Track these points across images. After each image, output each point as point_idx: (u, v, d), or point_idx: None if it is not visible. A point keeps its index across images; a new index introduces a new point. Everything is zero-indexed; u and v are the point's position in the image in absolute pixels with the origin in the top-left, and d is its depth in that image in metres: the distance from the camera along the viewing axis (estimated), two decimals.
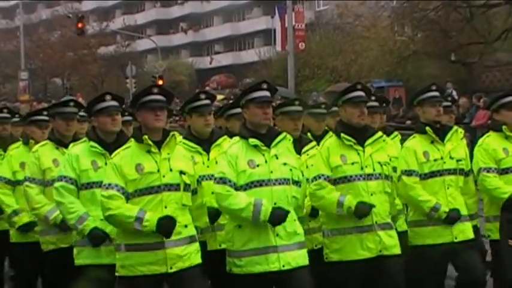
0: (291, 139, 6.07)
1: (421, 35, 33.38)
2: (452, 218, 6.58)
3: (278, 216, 5.76)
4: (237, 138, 6.02)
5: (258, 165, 5.84)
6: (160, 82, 36.37)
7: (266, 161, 5.87)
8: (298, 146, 6.60)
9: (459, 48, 30.89)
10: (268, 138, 5.94)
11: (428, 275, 6.70)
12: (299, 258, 5.87)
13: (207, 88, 42.62)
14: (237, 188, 5.83)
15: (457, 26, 30.73)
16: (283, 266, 5.80)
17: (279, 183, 5.86)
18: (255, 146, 5.89)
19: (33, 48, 54.68)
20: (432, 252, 6.64)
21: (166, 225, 5.54)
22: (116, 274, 5.70)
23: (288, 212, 5.81)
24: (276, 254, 5.80)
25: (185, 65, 57.05)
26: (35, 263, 7.33)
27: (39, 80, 56.04)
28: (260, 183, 5.82)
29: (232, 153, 5.89)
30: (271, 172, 5.85)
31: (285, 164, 5.92)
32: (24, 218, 7.31)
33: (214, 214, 6.43)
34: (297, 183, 5.98)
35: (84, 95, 37.65)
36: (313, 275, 5.97)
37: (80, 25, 39.89)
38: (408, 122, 21.81)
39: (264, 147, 5.90)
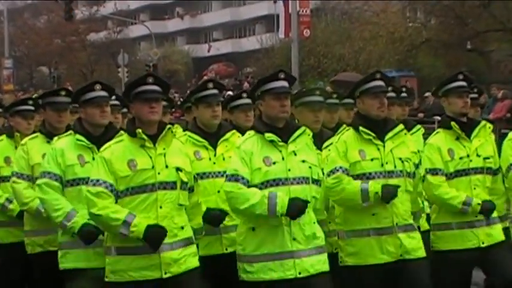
0: (311, 134, 5.96)
1: (435, 22, 33.44)
2: (487, 208, 6.49)
3: (296, 207, 5.63)
4: (251, 132, 5.90)
5: (274, 163, 5.71)
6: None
7: (283, 158, 5.74)
8: (319, 140, 6.46)
9: (476, 36, 30.90)
10: (285, 132, 5.79)
11: (452, 283, 6.61)
12: (318, 264, 5.76)
13: (205, 78, 42.58)
14: (251, 187, 5.71)
15: (474, 12, 30.73)
16: (300, 274, 5.67)
17: (298, 182, 5.74)
18: (271, 142, 5.77)
19: (18, 35, 54.73)
20: (457, 258, 6.55)
21: (156, 234, 5.44)
22: (105, 280, 5.62)
23: (307, 202, 5.69)
24: (292, 260, 5.68)
25: (181, 53, 57.11)
26: (21, 267, 7.27)
27: (24, 68, 56.13)
28: (277, 182, 5.70)
29: (246, 149, 5.76)
30: (289, 170, 5.72)
31: (303, 161, 5.79)
32: (17, 207, 7.18)
33: (218, 216, 6.36)
34: (316, 182, 5.87)
35: (73, 85, 37.60)
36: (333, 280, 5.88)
37: (68, 10, 39.82)
38: (421, 115, 21.78)
39: (281, 143, 5.77)
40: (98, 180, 5.53)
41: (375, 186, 6.05)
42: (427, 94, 24.17)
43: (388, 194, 6.04)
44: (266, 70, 37.14)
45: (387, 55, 33.77)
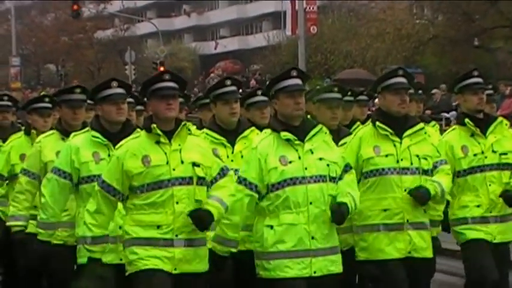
0: (328, 131, 5.91)
1: (442, 18, 33.41)
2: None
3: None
4: (268, 131, 5.86)
5: (290, 162, 5.66)
6: (162, 69, 36.40)
7: (300, 157, 5.69)
8: (337, 137, 6.43)
9: (483, 33, 30.88)
10: (302, 131, 5.74)
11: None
12: (333, 264, 5.74)
13: (212, 75, 42.59)
14: (266, 188, 5.70)
15: (481, 9, 30.71)
16: (315, 272, 5.65)
17: (314, 181, 5.68)
18: (288, 140, 5.75)
19: (26, 32, 54.76)
20: (478, 247, 6.54)
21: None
22: (126, 274, 5.64)
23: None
24: (309, 259, 5.64)
25: (188, 51, 57.07)
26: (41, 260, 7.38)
27: (31, 66, 56.23)
28: (294, 182, 5.64)
29: (262, 150, 5.72)
30: (306, 169, 5.66)
31: (321, 159, 5.73)
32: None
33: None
34: (333, 179, 5.78)
35: (80, 83, 37.63)
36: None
37: (75, 7, 39.87)
38: (428, 111, 21.80)
39: (298, 142, 5.71)
40: (103, 182, 5.63)
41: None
42: (434, 91, 24.22)
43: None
44: (273, 67, 37.29)
45: (394, 52, 33.78)
